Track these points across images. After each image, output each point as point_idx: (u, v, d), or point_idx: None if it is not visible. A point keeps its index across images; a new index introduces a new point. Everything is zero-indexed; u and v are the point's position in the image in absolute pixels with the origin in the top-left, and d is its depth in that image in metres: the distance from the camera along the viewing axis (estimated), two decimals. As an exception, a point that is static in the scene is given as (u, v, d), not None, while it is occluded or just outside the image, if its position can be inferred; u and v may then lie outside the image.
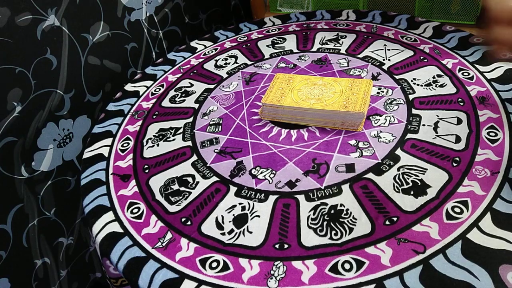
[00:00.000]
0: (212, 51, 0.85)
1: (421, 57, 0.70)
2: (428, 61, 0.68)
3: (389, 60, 0.70)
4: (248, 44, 0.85)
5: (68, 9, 0.71)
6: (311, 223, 0.46)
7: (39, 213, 0.74)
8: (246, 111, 0.65)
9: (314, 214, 0.47)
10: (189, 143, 0.61)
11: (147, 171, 0.58)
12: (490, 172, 0.48)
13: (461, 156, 0.50)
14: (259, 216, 0.48)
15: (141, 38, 0.90)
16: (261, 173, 0.54)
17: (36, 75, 0.68)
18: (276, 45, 0.82)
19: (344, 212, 0.47)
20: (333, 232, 0.45)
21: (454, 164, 0.49)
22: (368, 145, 0.55)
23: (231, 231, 0.47)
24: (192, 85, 0.76)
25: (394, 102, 0.61)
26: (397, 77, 0.66)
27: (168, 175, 0.57)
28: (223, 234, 0.47)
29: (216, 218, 0.49)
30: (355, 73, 0.69)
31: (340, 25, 0.85)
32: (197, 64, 0.82)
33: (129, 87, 0.78)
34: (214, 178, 0.54)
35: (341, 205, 0.48)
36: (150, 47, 0.93)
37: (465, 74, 0.64)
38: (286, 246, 0.44)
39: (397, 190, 0.48)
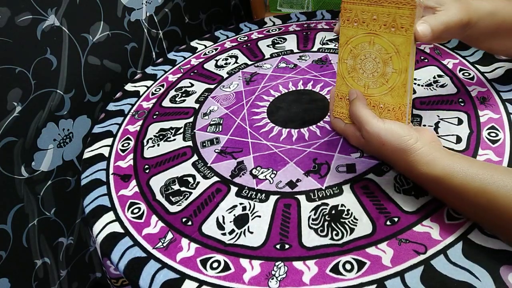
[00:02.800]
0: (213, 51, 0.85)
1: (422, 57, 0.70)
2: (429, 61, 0.68)
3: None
4: (249, 44, 0.85)
5: (68, 9, 0.71)
6: (312, 224, 0.46)
7: (39, 213, 0.74)
8: (246, 111, 0.65)
9: (315, 214, 0.47)
10: (190, 143, 0.61)
11: (147, 171, 0.58)
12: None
13: (462, 156, 0.50)
14: (260, 216, 0.48)
15: (141, 38, 0.90)
16: (261, 173, 0.54)
17: (36, 75, 0.68)
18: (276, 45, 0.82)
19: (345, 212, 0.47)
20: (334, 232, 0.45)
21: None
22: (369, 145, 0.55)
23: (232, 231, 0.47)
24: (192, 85, 0.75)
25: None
26: (397, 77, 0.66)
27: (168, 175, 0.57)
28: (224, 234, 0.47)
29: (217, 218, 0.49)
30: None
31: (340, 25, 0.85)
32: (197, 64, 0.82)
33: (129, 87, 0.78)
34: (215, 178, 0.54)
35: (342, 205, 0.48)
36: (150, 47, 0.93)
37: (465, 74, 0.64)
38: (287, 246, 0.44)
39: (398, 190, 0.48)
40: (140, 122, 0.68)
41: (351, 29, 0.48)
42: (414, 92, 0.62)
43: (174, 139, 0.63)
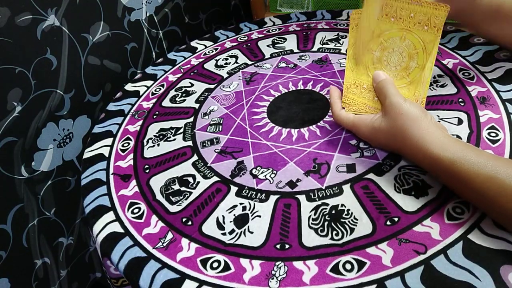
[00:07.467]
0: (213, 51, 0.85)
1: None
2: (429, 61, 0.68)
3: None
4: (249, 44, 0.85)
5: (68, 9, 0.71)
6: (312, 223, 0.46)
7: (39, 213, 0.74)
8: (246, 111, 0.65)
9: (315, 214, 0.47)
10: (190, 143, 0.61)
11: (147, 171, 0.58)
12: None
13: (462, 156, 0.50)
14: (260, 216, 0.48)
15: (141, 38, 0.90)
16: (261, 173, 0.54)
17: (36, 75, 0.68)
18: (276, 45, 0.82)
19: (345, 212, 0.47)
20: (334, 232, 0.45)
21: (455, 164, 0.49)
22: (369, 145, 0.55)
23: (232, 231, 0.47)
24: (192, 85, 0.75)
25: (395, 102, 0.61)
26: (397, 77, 0.66)
27: (168, 175, 0.57)
28: (224, 234, 0.47)
29: (217, 218, 0.49)
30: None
31: (340, 25, 0.85)
32: (197, 64, 0.82)
33: (129, 87, 0.78)
34: (215, 178, 0.54)
35: (342, 205, 0.48)
36: (150, 47, 0.93)
37: (465, 74, 0.64)
38: (287, 246, 0.44)
39: (398, 190, 0.48)
40: (140, 122, 0.68)
41: (387, 23, 0.53)
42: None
43: (174, 139, 0.63)
